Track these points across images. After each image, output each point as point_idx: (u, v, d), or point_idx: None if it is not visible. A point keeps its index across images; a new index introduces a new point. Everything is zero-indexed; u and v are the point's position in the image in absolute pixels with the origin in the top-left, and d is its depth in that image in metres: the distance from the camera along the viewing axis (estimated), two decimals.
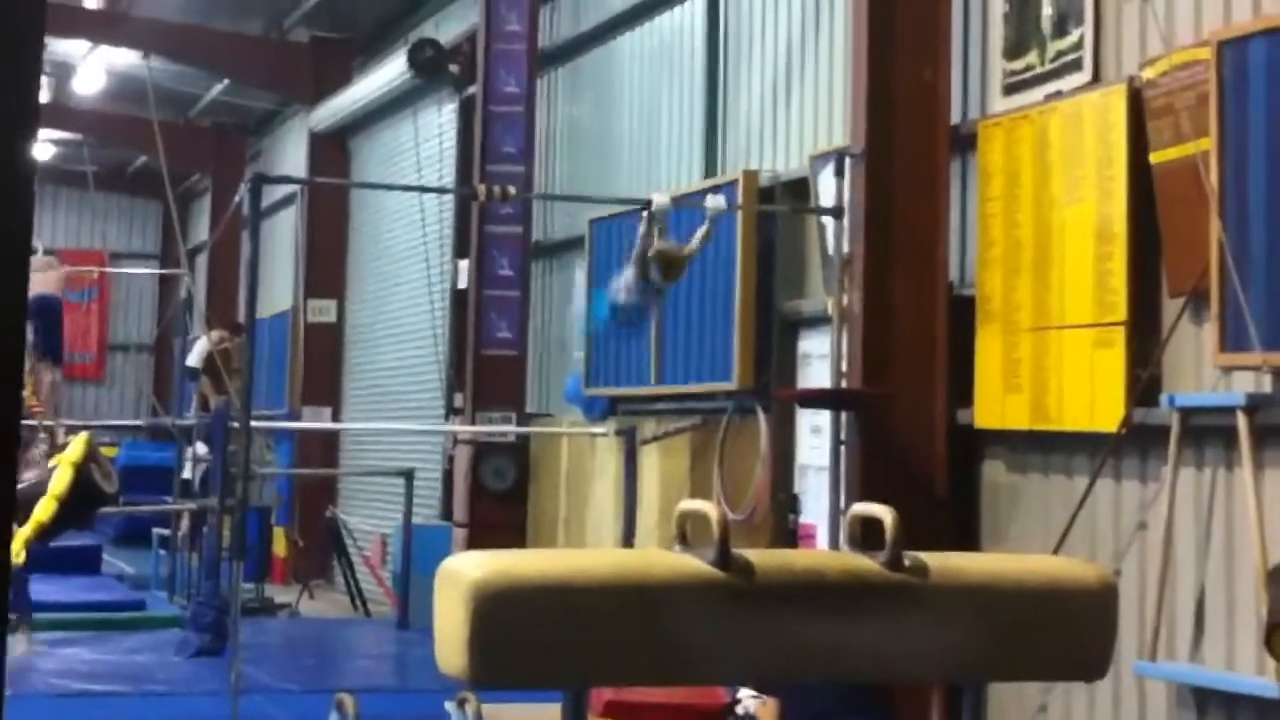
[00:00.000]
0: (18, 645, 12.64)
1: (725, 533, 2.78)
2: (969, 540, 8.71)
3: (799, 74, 11.07)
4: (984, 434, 8.88)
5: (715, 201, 9.79)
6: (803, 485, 10.62)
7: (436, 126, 17.65)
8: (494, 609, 2.63)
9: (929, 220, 8.99)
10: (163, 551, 16.56)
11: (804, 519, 10.24)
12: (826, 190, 9.91)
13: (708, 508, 2.88)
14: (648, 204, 9.58)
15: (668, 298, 11.66)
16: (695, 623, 2.75)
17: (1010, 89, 8.92)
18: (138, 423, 23.43)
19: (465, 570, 2.67)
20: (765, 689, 6.12)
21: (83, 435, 6.31)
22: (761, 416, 10.42)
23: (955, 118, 9.21)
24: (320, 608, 16.81)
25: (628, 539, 11.57)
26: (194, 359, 18.00)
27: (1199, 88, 7.35)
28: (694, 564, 2.77)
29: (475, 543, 12.93)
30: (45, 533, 6.39)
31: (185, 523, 15.72)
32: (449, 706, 6.19)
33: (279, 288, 22.20)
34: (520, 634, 2.65)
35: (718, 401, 11.13)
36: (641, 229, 9.47)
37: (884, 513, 2.92)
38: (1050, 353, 8.30)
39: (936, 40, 9.05)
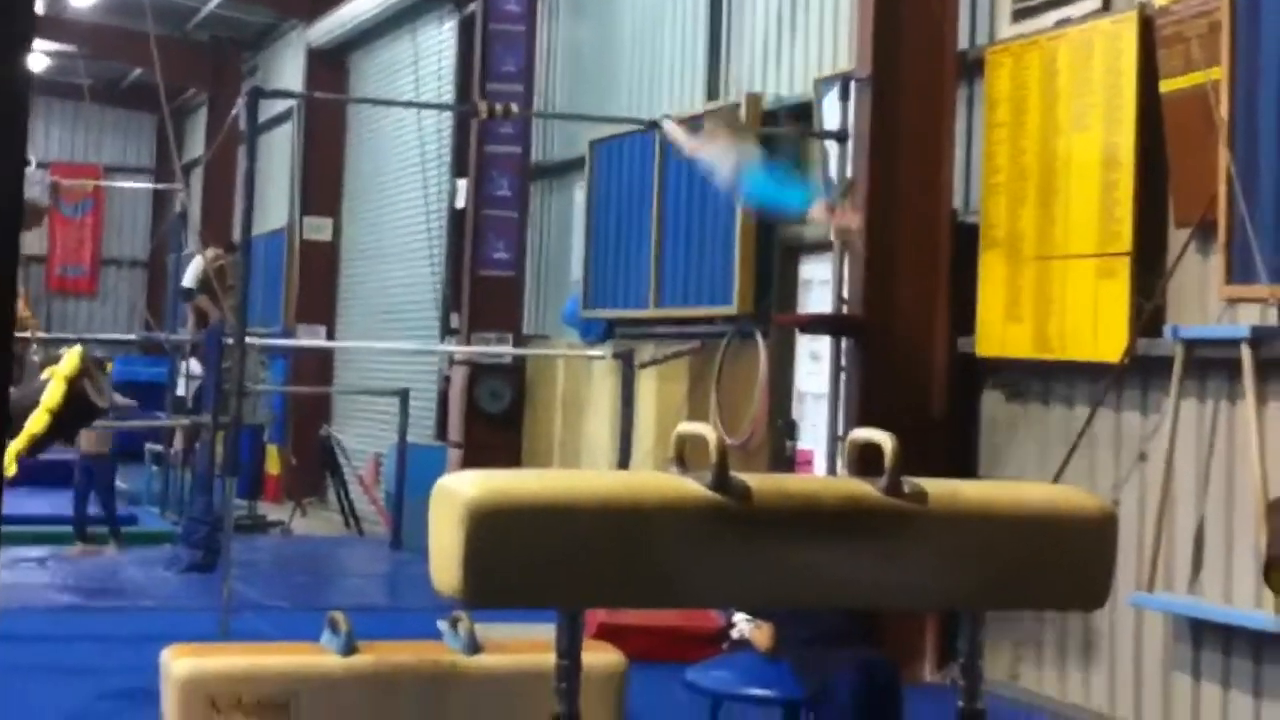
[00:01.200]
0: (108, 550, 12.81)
1: (723, 456, 2.77)
2: (967, 469, 8.72)
3: None
4: (985, 362, 8.88)
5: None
6: (801, 411, 10.63)
7: (436, 44, 17.55)
8: (489, 528, 2.62)
9: (934, 147, 8.95)
10: (155, 467, 16.59)
11: (801, 445, 10.25)
12: (831, 115, 9.87)
13: (705, 430, 2.87)
14: (652, 124, 9.54)
15: (667, 220, 11.67)
16: (690, 546, 2.74)
17: (1019, 15, 8.87)
18: (131, 337, 23.38)
19: (460, 489, 2.66)
20: (760, 614, 6.14)
21: (76, 349, 6.29)
22: (761, 342, 10.41)
23: (963, 43, 9.16)
24: (313, 526, 16.86)
25: (623, 463, 11.58)
26: (189, 279, 17.97)
27: (1211, 16, 7.31)
28: (690, 487, 2.77)
29: (470, 464, 12.86)
30: (37, 445, 6.38)
31: (179, 439, 15.75)
32: (442, 625, 6.21)
33: (274, 205, 22.13)
34: (515, 554, 2.65)
35: (717, 326, 11.11)
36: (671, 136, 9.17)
37: (884, 438, 2.91)
38: (1054, 282, 8.29)
39: None
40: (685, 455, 2.89)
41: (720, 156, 8.53)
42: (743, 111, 10.75)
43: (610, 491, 2.75)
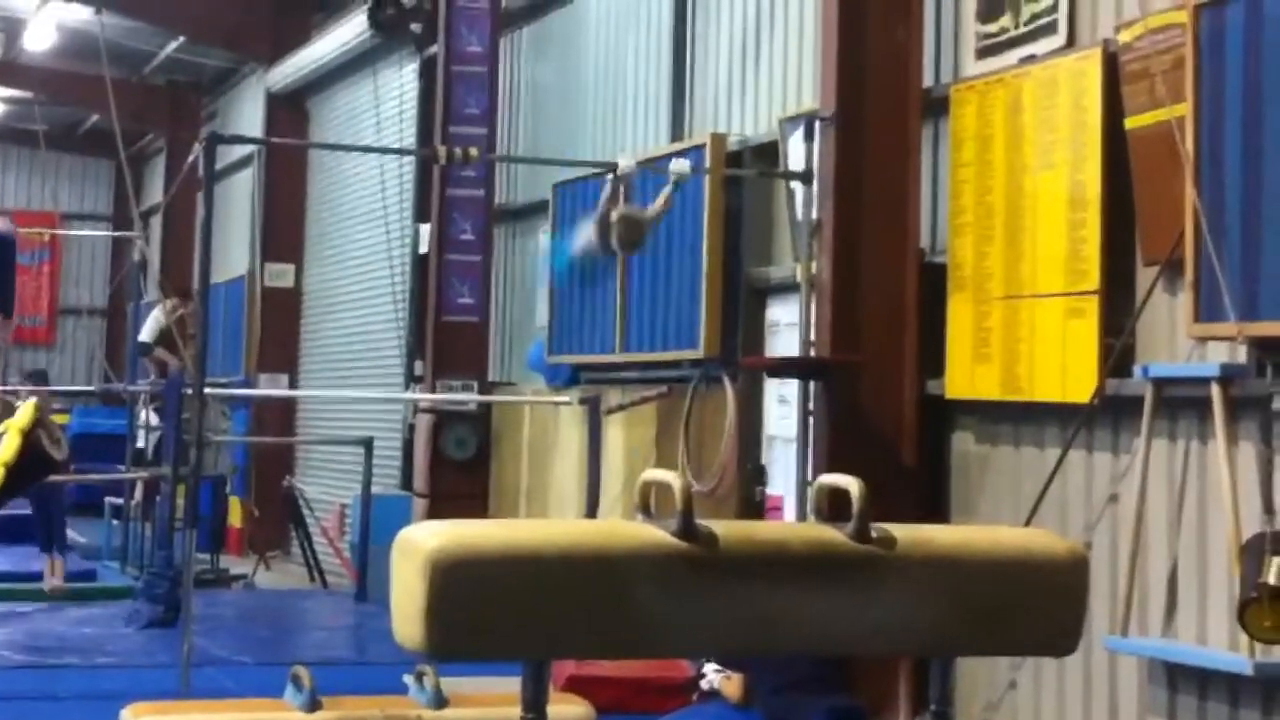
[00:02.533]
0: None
1: (689, 503, 2.77)
2: (938, 512, 8.73)
3: (768, 35, 11.05)
4: (954, 404, 8.89)
5: (680, 165, 9.75)
6: (770, 456, 10.62)
7: (397, 87, 17.57)
8: (452, 579, 2.62)
9: (900, 186, 8.98)
10: (115, 521, 16.50)
11: (771, 490, 10.25)
12: (796, 154, 9.89)
13: (671, 477, 2.88)
14: (613, 167, 9.56)
15: (632, 264, 11.68)
16: (657, 595, 2.74)
17: (983, 52, 8.92)
18: (89, 389, 23.30)
19: (422, 540, 2.66)
20: (730, 663, 6.13)
21: (32, 401, 6.27)
22: (728, 385, 10.42)
23: (928, 81, 9.20)
24: (277, 579, 16.78)
25: (591, 510, 11.57)
26: (146, 334, 17.93)
27: (1175, 52, 7.36)
28: (657, 535, 2.77)
29: (436, 513, 12.91)
30: None
31: (139, 492, 15.67)
32: (408, 680, 6.19)
33: (235, 252, 22.10)
34: (478, 605, 2.64)
35: (684, 370, 11.12)
36: (605, 192, 9.45)
37: (850, 483, 2.92)
38: (1022, 322, 8.32)
39: (909, 1, 9.03)
40: (651, 503, 2.89)
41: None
42: (707, 152, 10.80)
43: (574, 541, 2.75)
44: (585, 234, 9.46)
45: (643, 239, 9.45)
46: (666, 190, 9.50)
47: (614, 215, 9.22)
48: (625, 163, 9.53)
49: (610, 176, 9.40)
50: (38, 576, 13.38)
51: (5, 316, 12.37)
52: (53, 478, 12.05)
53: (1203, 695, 7.33)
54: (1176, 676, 7.46)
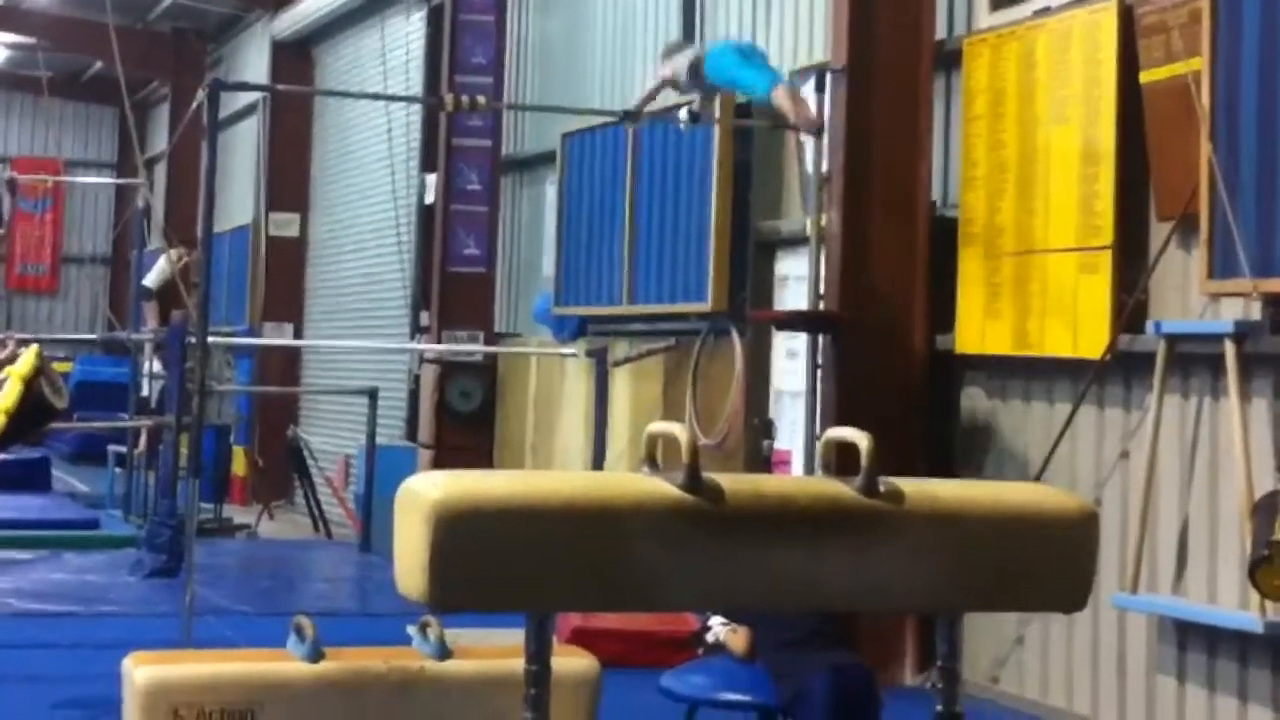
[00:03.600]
0: None
1: (695, 456, 2.76)
2: (946, 468, 8.73)
3: None
4: (964, 359, 8.88)
5: (687, 115, 9.72)
6: (778, 410, 10.63)
7: (404, 36, 17.52)
8: (455, 530, 2.61)
9: (911, 139, 8.96)
10: (118, 470, 16.53)
11: (779, 445, 10.25)
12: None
13: (677, 429, 2.86)
14: (624, 115, 9.54)
15: (640, 215, 11.66)
16: (662, 548, 2.73)
17: (997, 4, 8.88)
18: (92, 337, 23.30)
19: (425, 490, 2.65)
20: (735, 617, 6.13)
21: (33, 348, 6.24)
22: (736, 339, 10.40)
23: (940, 33, 9.16)
24: (280, 529, 16.82)
25: (597, 463, 11.58)
26: (151, 279, 17.91)
27: (1191, 5, 7.32)
28: (662, 487, 2.76)
29: (440, 465, 12.92)
30: None
31: (142, 440, 15.69)
32: (411, 631, 6.19)
33: (240, 201, 22.07)
34: (481, 556, 2.64)
35: (691, 323, 11.11)
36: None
37: (859, 437, 2.90)
38: (1033, 277, 8.30)
39: None
40: (657, 455, 2.88)
41: (676, 67, 9.71)
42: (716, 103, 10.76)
43: (579, 492, 2.74)
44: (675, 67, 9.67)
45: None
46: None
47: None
48: (679, 62, 9.56)
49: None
50: (39, 524, 13.43)
51: None
52: (54, 424, 12.08)
53: (1212, 653, 7.34)
54: (1186, 635, 7.47)
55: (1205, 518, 7.38)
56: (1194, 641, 7.44)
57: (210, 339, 10.12)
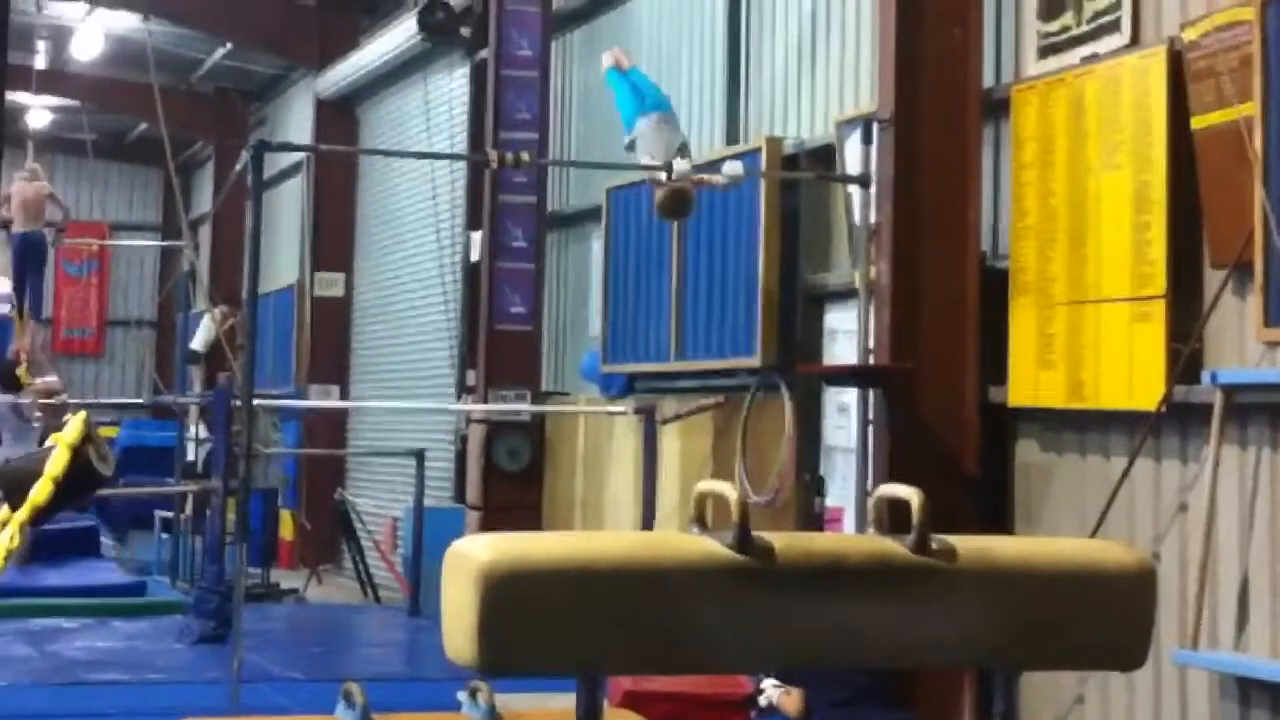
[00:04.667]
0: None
1: (745, 514, 2.77)
2: (1001, 523, 8.69)
3: (824, 35, 11.04)
4: (1017, 412, 8.86)
5: (733, 168, 9.76)
6: (829, 467, 10.60)
7: (447, 92, 17.64)
8: (503, 593, 2.62)
9: (959, 189, 8.96)
10: (165, 535, 16.60)
11: (830, 502, 10.22)
12: (853, 158, 9.88)
13: (726, 488, 2.87)
14: (668, 170, 9.58)
15: (687, 270, 11.69)
16: (713, 608, 2.74)
17: (1045, 51, 8.88)
18: (139, 401, 23.43)
19: (474, 553, 2.66)
20: (788, 678, 6.12)
21: (80, 414, 6.30)
22: (786, 394, 10.40)
23: (988, 81, 9.17)
24: (328, 593, 16.86)
25: (647, 522, 11.57)
26: (198, 341, 18.02)
27: (1242, 49, 7.31)
28: (712, 547, 2.76)
29: (489, 526, 12.94)
30: (41, 514, 6.39)
31: (189, 505, 15.76)
32: (461, 696, 6.19)
33: (285, 261, 22.22)
34: (531, 619, 2.64)
35: (740, 378, 11.11)
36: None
37: (910, 494, 2.91)
38: (1086, 327, 8.28)
39: (968, 0, 9.01)
40: (707, 514, 2.89)
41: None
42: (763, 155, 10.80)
43: (628, 553, 2.74)
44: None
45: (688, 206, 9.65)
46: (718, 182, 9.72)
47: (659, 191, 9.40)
48: (681, 166, 9.54)
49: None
50: (87, 591, 13.48)
51: (35, 320, 12.45)
52: (101, 491, 12.14)
53: (1275, 710, 7.28)
54: (1249, 691, 7.40)
55: (1267, 570, 7.32)
56: (1258, 698, 7.37)
57: (256, 401, 10.17)
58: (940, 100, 8.97)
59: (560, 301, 14.98)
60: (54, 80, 23.86)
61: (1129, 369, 7.99)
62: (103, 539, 17.52)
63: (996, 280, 8.93)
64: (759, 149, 11.01)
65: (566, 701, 2.86)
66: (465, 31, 16.41)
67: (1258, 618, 7.37)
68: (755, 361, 10.88)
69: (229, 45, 22.33)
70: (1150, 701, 7.95)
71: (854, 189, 9.86)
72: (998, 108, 9.10)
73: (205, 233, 25.49)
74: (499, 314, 14.20)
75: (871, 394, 9.23)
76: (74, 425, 6.17)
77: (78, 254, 27.34)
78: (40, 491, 6.13)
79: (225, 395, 12.56)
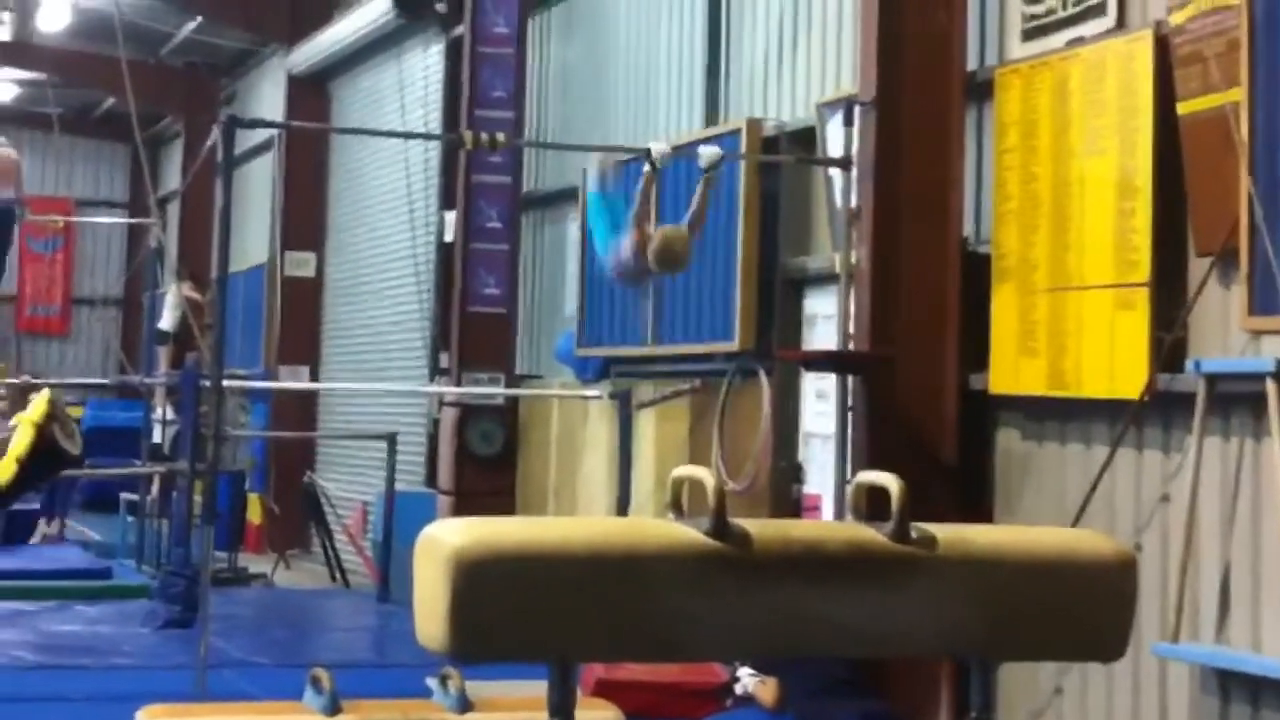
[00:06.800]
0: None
1: (721, 501, 2.78)
2: (981, 512, 8.71)
3: (806, 16, 11.04)
4: (998, 400, 8.87)
5: (710, 151, 9.70)
6: (807, 453, 10.62)
7: (422, 70, 17.60)
8: (476, 579, 2.63)
9: (942, 173, 8.96)
10: (130, 518, 16.57)
11: (808, 489, 10.24)
12: (834, 140, 9.89)
13: (703, 474, 2.88)
14: (646, 153, 9.56)
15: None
16: (687, 596, 2.75)
17: (1029, 34, 8.89)
18: (104, 381, 23.39)
19: (445, 538, 2.67)
20: (764, 667, 6.13)
21: (45, 393, 6.29)
22: (764, 380, 10.41)
23: (971, 64, 9.18)
24: (296, 578, 16.83)
25: (622, 508, 11.58)
26: (166, 322, 17.96)
27: (1229, 34, 7.33)
28: (687, 534, 2.77)
29: (461, 511, 12.93)
30: (5, 495, 6.38)
31: (155, 487, 15.73)
32: (431, 683, 6.20)
33: (255, 239, 22.16)
34: (502, 606, 2.65)
35: (718, 363, 11.12)
36: (640, 184, 9.43)
37: (889, 481, 2.92)
38: (1069, 314, 8.29)
39: None
40: (683, 500, 2.90)
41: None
42: (742, 138, 10.79)
43: (602, 539, 2.75)
44: (621, 253, 9.36)
45: (681, 260, 9.38)
46: (700, 190, 9.46)
47: (652, 247, 9.16)
48: (659, 147, 9.52)
49: (647, 166, 9.37)
50: (51, 574, 13.45)
51: None
52: (66, 472, 12.10)
53: (1255, 704, 7.31)
54: (1229, 684, 7.43)
55: (1248, 562, 7.35)
56: (1238, 691, 7.41)
57: (225, 382, 10.15)
58: (923, 82, 8.97)
59: (535, 283, 14.97)
60: (19, 52, 23.76)
61: (1111, 357, 8.00)
62: (69, 523, 17.51)
63: (978, 266, 8.94)
64: (739, 130, 11.01)
65: (538, 689, 2.87)
66: (440, 7, 16.37)
67: (1239, 610, 7.40)
68: (733, 346, 10.89)
69: (199, 19, 22.23)
70: (1130, 694, 7.98)
71: (835, 172, 9.86)
72: (981, 90, 9.11)
73: (174, 210, 25.41)
74: (473, 296, 14.18)
75: (851, 380, 9.24)
76: (37, 404, 6.16)
77: (43, 231, 27.22)
78: (3, 471, 6.12)
79: (193, 376, 12.53)
